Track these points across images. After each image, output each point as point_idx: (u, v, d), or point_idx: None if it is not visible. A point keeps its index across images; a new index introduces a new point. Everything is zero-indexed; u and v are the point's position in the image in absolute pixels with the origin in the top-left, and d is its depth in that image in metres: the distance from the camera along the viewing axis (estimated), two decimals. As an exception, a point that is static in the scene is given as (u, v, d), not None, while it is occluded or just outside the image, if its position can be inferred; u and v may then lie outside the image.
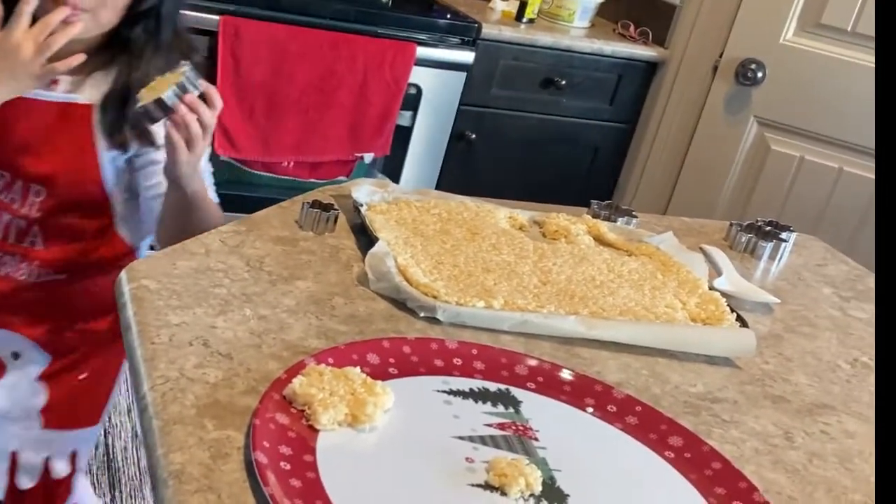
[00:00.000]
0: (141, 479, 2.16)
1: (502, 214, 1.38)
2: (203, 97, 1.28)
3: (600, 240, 1.39)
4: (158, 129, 1.34)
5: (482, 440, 0.89)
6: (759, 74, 2.63)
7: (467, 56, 2.57)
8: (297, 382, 0.88)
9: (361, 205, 1.29)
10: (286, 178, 2.49)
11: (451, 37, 2.54)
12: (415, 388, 0.95)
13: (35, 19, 1.28)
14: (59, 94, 1.38)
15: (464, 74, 2.60)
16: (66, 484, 1.55)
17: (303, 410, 0.86)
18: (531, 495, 0.83)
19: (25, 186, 1.40)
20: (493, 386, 0.98)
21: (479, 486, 0.83)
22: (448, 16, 2.58)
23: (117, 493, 2.12)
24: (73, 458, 1.55)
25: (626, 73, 2.81)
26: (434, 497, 0.81)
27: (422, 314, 1.09)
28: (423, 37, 2.49)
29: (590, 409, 0.98)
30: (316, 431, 0.85)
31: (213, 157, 2.35)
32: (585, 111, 2.81)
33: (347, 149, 2.51)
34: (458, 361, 1.00)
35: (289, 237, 1.22)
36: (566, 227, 1.38)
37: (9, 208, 1.42)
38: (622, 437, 0.95)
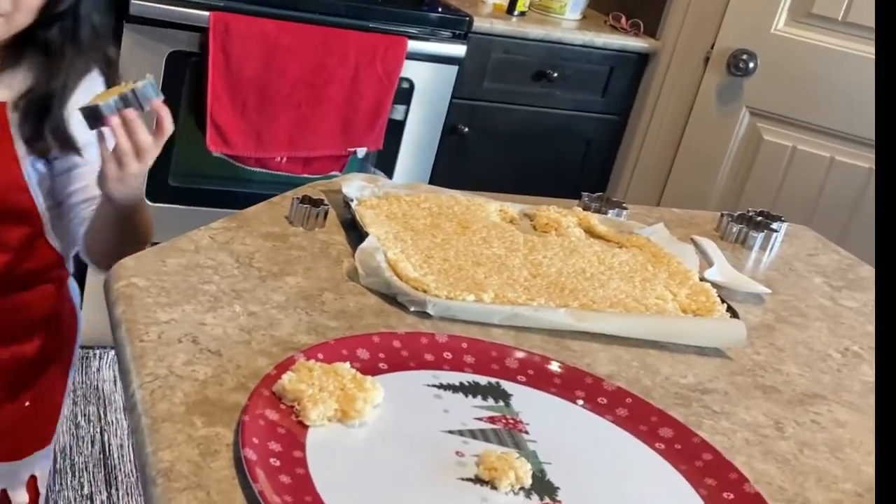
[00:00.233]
0: (137, 477, 2.16)
1: (493, 208, 1.38)
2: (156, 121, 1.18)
3: (591, 232, 1.39)
4: (82, 135, 1.27)
5: (472, 434, 0.89)
6: (751, 65, 2.63)
7: (459, 49, 2.56)
8: (287, 378, 0.88)
9: (351, 200, 1.29)
10: (279, 173, 2.48)
11: (443, 30, 2.54)
12: (405, 382, 0.95)
13: None
14: None
15: (456, 68, 2.59)
16: None
17: (292, 406, 0.86)
18: (521, 488, 0.83)
19: None
20: (483, 379, 0.98)
21: (469, 479, 0.83)
22: (439, 9, 2.58)
23: (113, 491, 2.12)
24: (33, 483, 1.48)
25: (618, 64, 2.81)
26: (424, 491, 0.81)
27: (412, 309, 1.09)
28: (414, 30, 2.49)
29: (580, 402, 0.98)
30: (305, 427, 0.85)
31: (207, 153, 2.36)
32: (578, 103, 2.81)
33: (340, 143, 2.51)
34: (448, 355, 1.00)
35: (279, 233, 1.22)
36: (557, 219, 1.38)
37: None
38: (612, 430, 0.95)
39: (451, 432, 0.89)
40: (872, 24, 2.46)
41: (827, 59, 2.56)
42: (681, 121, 2.80)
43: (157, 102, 1.19)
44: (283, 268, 1.13)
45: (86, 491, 2.10)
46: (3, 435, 1.42)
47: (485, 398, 0.95)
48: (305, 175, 2.47)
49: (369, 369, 0.94)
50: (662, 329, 1.15)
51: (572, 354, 1.08)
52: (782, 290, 1.38)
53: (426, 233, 1.25)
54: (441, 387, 0.95)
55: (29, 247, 1.35)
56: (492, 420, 0.92)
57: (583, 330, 1.12)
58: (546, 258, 1.25)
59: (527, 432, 0.91)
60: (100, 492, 2.10)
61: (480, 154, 2.76)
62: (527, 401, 0.96)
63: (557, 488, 0.85)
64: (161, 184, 2.44)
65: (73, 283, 1.47)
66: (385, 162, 2.65)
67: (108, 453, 2.22)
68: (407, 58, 2.47)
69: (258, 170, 2.47)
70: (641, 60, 2.83)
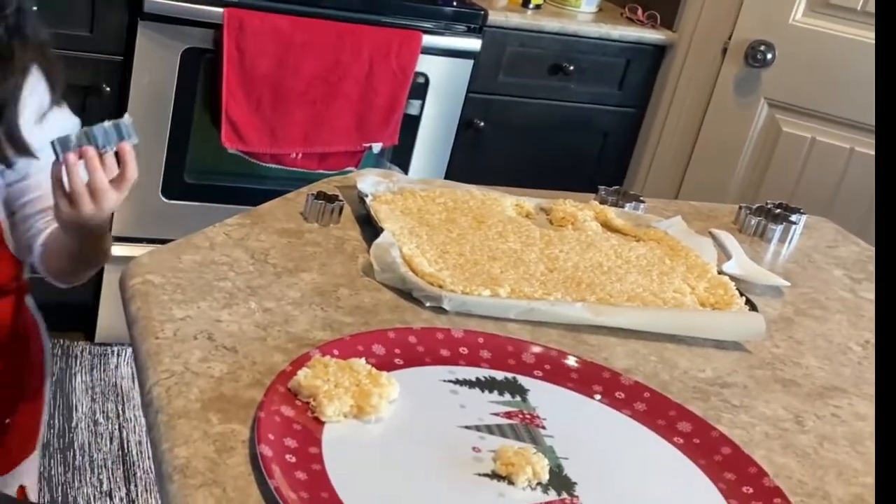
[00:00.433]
0: (156, 473, 2.17)
1: (508, 202, 1.38)
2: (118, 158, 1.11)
3: (608, 226, 1.38)
4: (35, 138, 1.21)
5: (489, 429, 0.89)
6: (769, 56, 2.61)
7: (474, 43, 2.55)
8: (302, 374, 0.87)
9: (366, 195, 1.29)
10: (295, 169, 2.48)
11: (458, 24, 2.53)
12: (421, 378, 0.94)
13: None
14: None
15: (471, 62, 2.58)
16: None
17: (308, 402, 0.86)
18: (538, 484, 0.83)
19: None
20: (499, 375, 0.98)
21: (486, 475, 0.83)
22: (454, 3, 2.56)
23: (132, 487, 2.12)
24: (22, 492, 1.43)
25: (635, 57, 2.79)
26: (441, 487, 0.81)
27: (427, 304, 1.08)
28: (428, 25, 2.48)
29: (597, 397, 0.97)
30: (321, 423, 0.85)
31: (222, 150, 2.36)
32: (594, 96, 2.79)
33: (355, 139, 2.51)
34: (464, 350, 0.99)
35: (294, 229, 1.21)
36: (573, 213, 1.38)
37: None
38: (630, 424, 0.94)
39: (467, 428, 0.88)
40: (892, 13, 2.43)
41: (846, 49, 2.53)
42: (698, 113, 2.78)
43: (124, 146, 1.11)
44: (298, 264, 1.13)
45: (105, 488, 2.11)
46: None
47: (501, 393, 0.95)
48: (321, 171, 2.46)
49: (385, 365, 0.93)
50: (680, 323, 1.14)
51: (589, 349, 1.07)
52: (801, 283, 1.37)
53: (441, 228, 1.24)
54: (457, 382, 0.95)
55: None
56: (508, 415, 0.91)
57: (600, 324, 1.11)
58: (563, 252, 1.24)
59: (544, 427, 0.91)
60: (119, 488, 2.11)
61: (496, 148, 2.75)
62: (544, 396, 0.96)
63: (575, 483, 0.84)
64: (176, 180, 2.45)
65: (29, 296, 1.41)
66: (401, 157, 2.65)
67: (126, 450, 2.23)
68: (422, 52, 2.46)
69: (273, 166, 2.47)
70: (658, 52, 2.81)
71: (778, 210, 1.52)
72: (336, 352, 0.93)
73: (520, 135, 2.76)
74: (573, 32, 2.69)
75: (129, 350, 2.55)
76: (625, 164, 2.95)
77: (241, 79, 2.31)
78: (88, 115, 2.34)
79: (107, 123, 1.12)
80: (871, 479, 0.94)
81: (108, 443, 2.24)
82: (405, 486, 0.80)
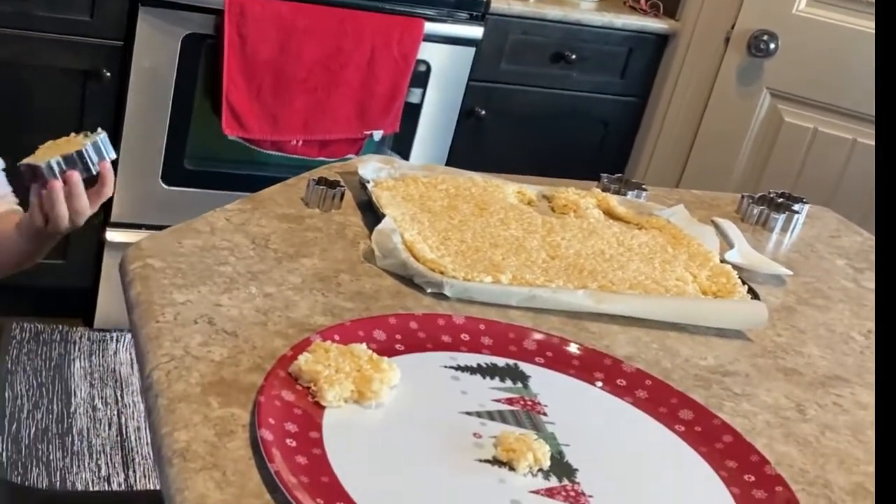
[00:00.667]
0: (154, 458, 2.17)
1: (510, 189, 1.37)
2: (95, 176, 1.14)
3: (610, 213, 1.38)
4: None
5: (490, 415, 0.88)
6: (772, 46, 2.60)
7: (476, 31, 2.54)
8: (303, 359, 0.87)
9: (368, 181, 1.28)
10: (295, 156, 2.47)
11: (460, 12, 2.52)
12: (422, 364, 0.94)
13: None
14: None
15: (473, 50, 2.57)
16: None
17: (308, 387, 0.86)
18: (539, 470, 0.82)
19: None
20: (500, 361, 0.97)
21: (487, 461, 0.83)
22: (456, -10, 2.55)
23: (131, 473, 2.12)
24: None
25: (637, 46, 2.78)
26: (441, 472, 0.81)
27: (429, 290, 1.08)
28: (430, 12, 2.47)
29: (599, 384, 0.97)
30: (322, 408, 0.84)
31: (222, 137, 2.35)
32: (596, 85, 2.78)
33: (356, 127, 2.50)
34: (465, 337, 0.99)
35: (295, 215, 1.21)
36: (575, 201, 1.37)
37: None
38: (632, 411, 0.94)
39: (468, 413, 0.88)
40: None
41: (849, 39, 2.52)
42: (700, 103, 2.78)
43: (106, 164, 1.14)
44: (298, 249, 1.12)
45: (103, 473, 2.11)
46: None
47: (502, 380, 0.94)
48: (321, 158, 2.45)
49: (386, 350, 0.93)
50: (682, 311, 1.14)
51: (591, 336, 1.06)
52: (804, 272, 1.36)
53: (443, 214, 1.24)
54: (458, 368, 0.95)
55: None
56: (510, 401, 0.91)
57: (602, 311, 1.11)
58: (564, 240, 1.24)
59: (545, 414, 0.90)
60: (117, 474, 2.11)
61: (497, 137, 2.74)
62: (545, 382, 0.95)
63: (576, 470, 0.84)
64: (176, 167, 2.44)
65: None
66: (401, 145, 2.64)
67: (125, 436, 2.23)
68: (424, 40, 2.45)
69: (274, 153, 2.46)
70: (661, 41, 2.80)
71: (780, 199, 1.52)
72: (337, 337, 0.93)
73: (521, 123, 2.75)
74: (576, 21, 2.67)
75: (128, 336, 2.54)
76: (626, 154, 2.94)
77: (242, 65, 2.30)
78: (89, 101, 2.33)
79: (86, 143, 1.13)
80: (872, 468, 0.94)
81: (106, 428, 2.24)
82: (406, 471, 0.80)
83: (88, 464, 2.12)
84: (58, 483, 2.05)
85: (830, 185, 2.59)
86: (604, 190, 1.45)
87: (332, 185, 1.24)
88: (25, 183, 1.18)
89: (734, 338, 1.13)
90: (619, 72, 2.80)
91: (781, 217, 1.49)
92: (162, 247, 1.07)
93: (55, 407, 2.26)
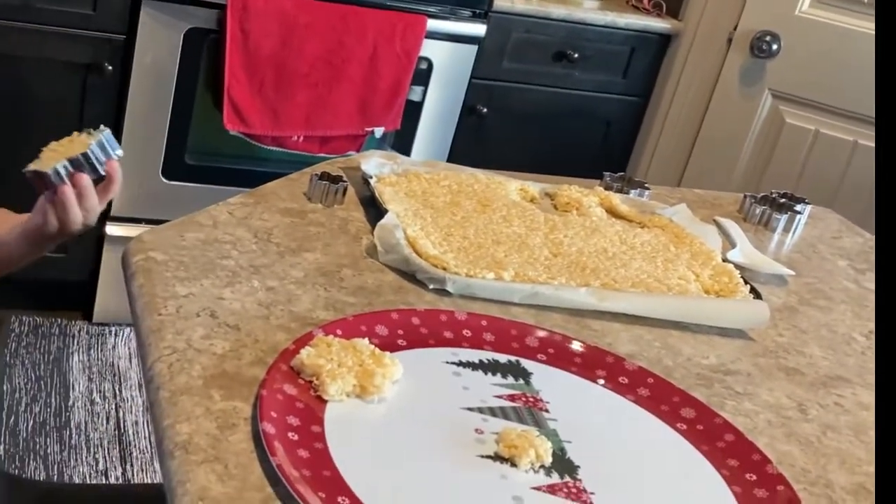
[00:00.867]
0: (153, 453, 2.17)
1: (513, 186, 1.37)
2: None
3: (612, 212, 1.38)
4: None
5: (492, 411, 0.88)
6: (774, 47, 2.60)
7: (479, 29, 2.54)
8: (305, 353, 0.87)
9: (370, 177, 1.28)
10: (296, 152, 2.47)
11: (463, 9, 2.51)
12: (424, 359, 0.94)
13: None
14: None
15: (475, 47, 2.57)
16: None
17: (310, 381, 0.85)
18: (541, 466, 0.82)
19: None
20: (502, 357, 0.97)
21: (488, 457, 0.82)
22: (459, -12, 2.55)
23: (128, 467, 2.12)
24: None
25: (640, 45, 2.78)
26: (443, 468, 0.80)
27: (431, 286, 1.08)
28: (433, 9, 2.47)
29: (601, 381, 0.97)
30: (324, 402, 0.84)
31: (223, 132, 2.35)
32: (598, 84, 2.78)
33: (357, 123, 2.50)
34: (467, 333, 0.99)
35: (297, 209, 1.21)
36: (578, 199, 1.37)
37: None
38: (633, 409, 0.94)
39: (470, 409, 0.88)
40: (899, 5, 2.42)
41: (852, 41, 2.52)
42: (702, 103, 2.77)
43: (113, 163, 1.13)
44: (301, 244, 1.12)
45: (100, 467, 2.11)
46: None
47: (504, 376, 0.94)
48: (322, 154, 2.45)
49: (388, 346, 0.93)
50: (685, 309, 1.13)
51: (593, 334, 1.06)
52: (806, 273, 1.36)
53: (446, 210, 1.24)
54: (460, 364, 0.94)
55: None
56: (512, 398, 0.91)
57: (604, 309, 1.10)
58: (567, 237, 1.24)
59: (547, 411, 0.90)
60: (114, 468, 2.11)
61: (499, 135, 2.74)
62: (547, 379, 0.95)
63: (578, 467, 0.84)
64: (177, 161, 2.44)
65: None
66: (402, 142, 2.64)
67: (123, 430, 2.22)
68: (426, 37, 2.45)
69: (275, 149, 2.46)
70: (663, 41, 2.80)
71: (783, 199, 1.52)
72: (339, 331, 0.92)
73: (523, 122, 2.75)
74: (579, 20, 2.67)
75: (127, 330, 2.54)
76: (627, 153, 2.94)
77: (244, 60, 2.30)
78: (90, 94, 2.32)
79: (91, 142, 1.12)
80: (874, 468, 0.94)
81: (104, 422, 2.23)
82: (407, 466, 0.80)
83: (86, 457, 2.12)
84: (55, 476, 2.05)
85: (831, 187, 2.59)
86: (606, 188, 1.45)
87: (335, 180, 1.24)
88: (36, 190, 1.16)
89: (736, 337, 1.13)
90: (621, 71, 2.80)
91: (783, 217, 1.49)
92: (164, 240, 1.07)
93: (53, 400, 2.25)
